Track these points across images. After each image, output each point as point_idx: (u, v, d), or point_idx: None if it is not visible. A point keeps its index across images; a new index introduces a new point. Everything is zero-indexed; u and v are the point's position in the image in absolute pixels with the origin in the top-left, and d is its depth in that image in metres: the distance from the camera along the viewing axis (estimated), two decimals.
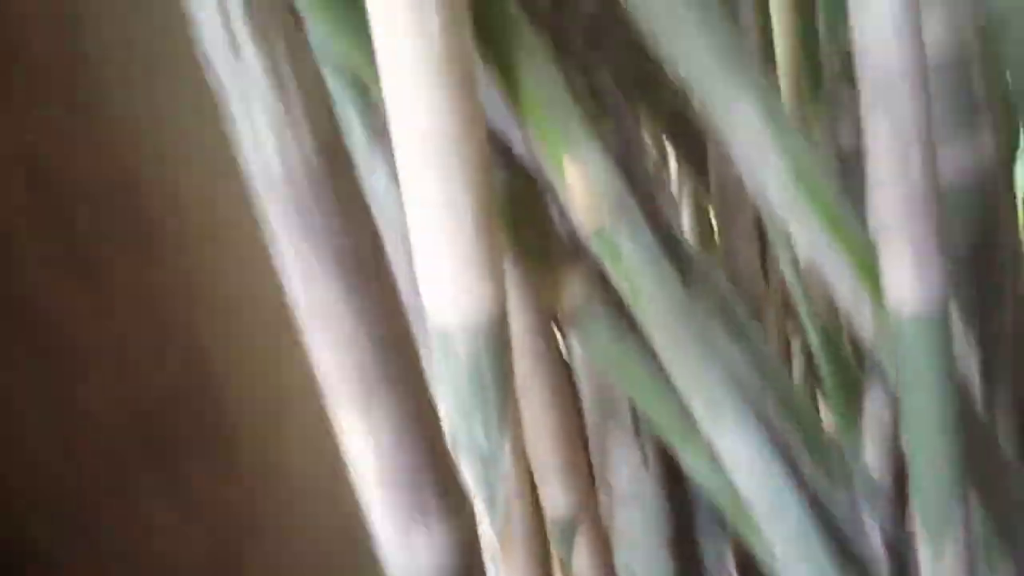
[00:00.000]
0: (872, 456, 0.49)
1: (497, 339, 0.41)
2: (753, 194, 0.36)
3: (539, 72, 0.35)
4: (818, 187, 0.32)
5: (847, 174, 0.60)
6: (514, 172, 0.43)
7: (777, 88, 0.36)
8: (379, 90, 0.38)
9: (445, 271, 0.39)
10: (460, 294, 0.39)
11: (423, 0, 0.31)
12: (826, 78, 0.61)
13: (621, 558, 0.53)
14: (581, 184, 0.36)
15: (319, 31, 0.43)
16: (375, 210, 0.51)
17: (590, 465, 0.58)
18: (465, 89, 0.33)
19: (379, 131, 0.49)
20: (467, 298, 0.39)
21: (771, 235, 0.39)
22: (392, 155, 0.39)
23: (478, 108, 0.34)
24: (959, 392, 0.41)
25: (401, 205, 0.40)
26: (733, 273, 0.49)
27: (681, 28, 0.30)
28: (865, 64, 0.31)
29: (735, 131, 0.32)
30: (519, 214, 0.44)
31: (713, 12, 0.30)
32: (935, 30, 0.40)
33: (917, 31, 0.31)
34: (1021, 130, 0.46)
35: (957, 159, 0.43)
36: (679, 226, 0.44)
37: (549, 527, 0.52)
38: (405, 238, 0.40)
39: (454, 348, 0.41)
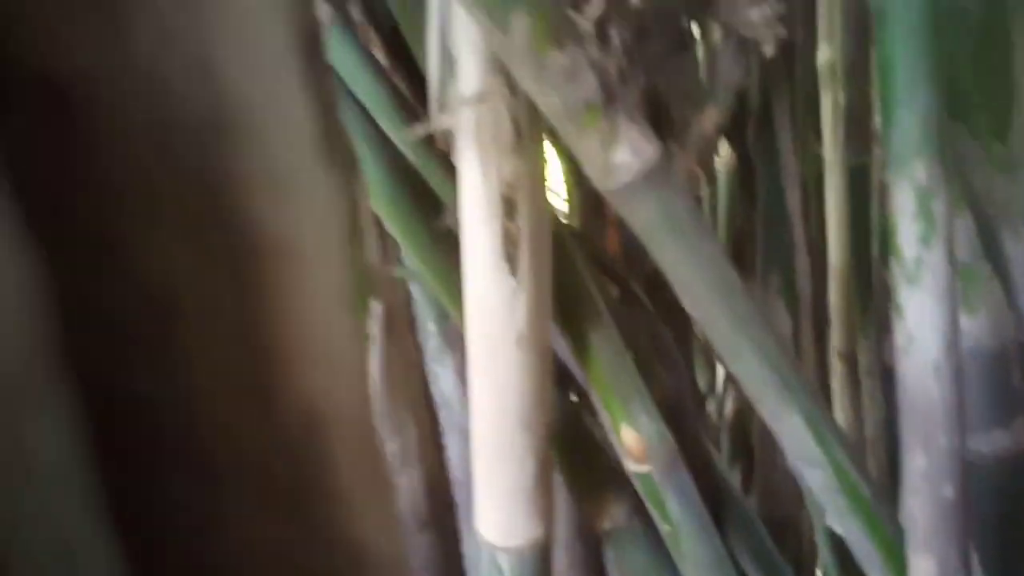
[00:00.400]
0: None
1: (539, 563, 0.44)
2: (796, 474, 0.38)
3: (609, 353, 0.39)
4: (857, 492, 0.35)
5: (888, 387, 0.62)
6: (572, 405, 0.47)
7: (826, 409, 0.38)
8: (458, 316, 0.42)
9: (499, 498, 0.42)
10: (509, 520, 0.43)
11: (513, 289, 0.36)
12: (876, 291, 0.64)
13: None
14: (635, 444, 0.40)
15: (411, 262, 0.48)
16: (440, 406, 0.55)
17: None
18: (539, 363, 0.37)
19: (451, 340, 0.53)
20: (515, 525, 0.43)
21: (808, 504, 0.41)
22: (460, 359, 0.43)
23: (548, 376, 0.38)
24: None
25: (465, 405, 0.44)
26: (768, 506, 0.51)
27: (740, 350, 0.33)
28: (905, 400, 0.34)
29: (785, 435, 0.35)
30: (573, 437, 0.48)
31: (768, 332, 0.33)
32: (980, 331, 0.43)
33: (956, 371, 0.34)
34: None
35: (995, 441, 0.45)
36: (722, 468, 0.47)
37: None
38: (465, 434, 0.44)
39: (499, 565, 0.44)
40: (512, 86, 0.33)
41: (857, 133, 0.79)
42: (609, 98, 0.30)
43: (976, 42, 0.39)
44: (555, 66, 0.30)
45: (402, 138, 0.42)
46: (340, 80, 0.42)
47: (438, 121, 0.33)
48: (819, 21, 0.79)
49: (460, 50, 0.33)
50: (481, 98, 0.33)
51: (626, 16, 0.45)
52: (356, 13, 0.40)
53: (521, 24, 0.29)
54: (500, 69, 0.32)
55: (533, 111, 0.32)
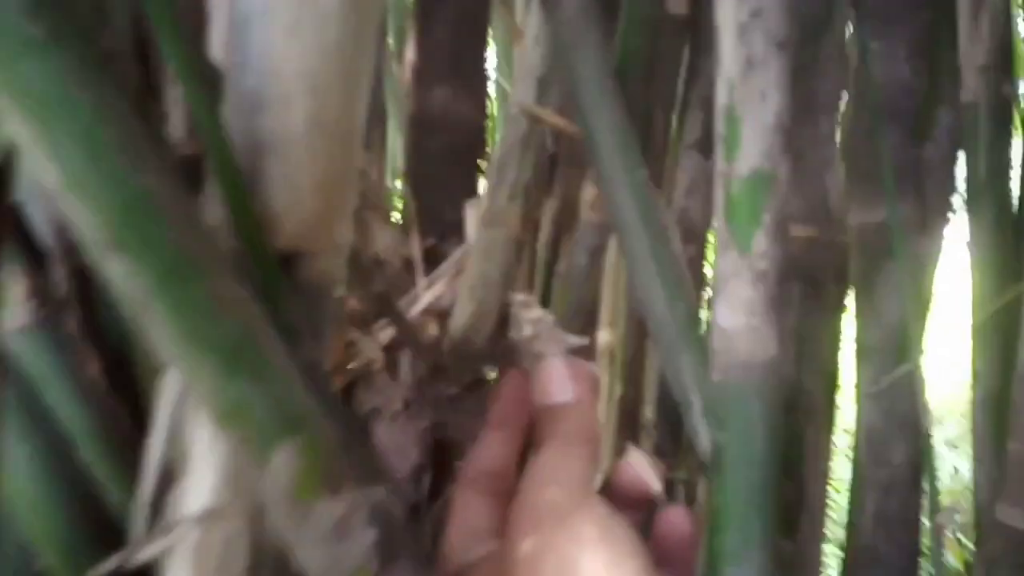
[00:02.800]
0: None
1: None
2: None
3: None
4: None
5: None
6: None
7: None
8: None
9: None
10: None
11: None
12: None
13: None
14: None
15: None
16: None
17: None
18: None
19: None
20: None
21: None
22: None
23: None
24: None
25: None
26: None
27: None
28: None
29: None
30: None
31: None
32: None
33: None
34: None
35: None
36: None
37: None
38: None
39: None
40: (257, 508, 0.24)
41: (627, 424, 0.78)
42: (388, 558, 0.23)
43: None
44: (324, 516, 0.22)
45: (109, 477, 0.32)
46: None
47: (144, 546, 0.24)
48: (602, 306, 0.80)
49: (191, 452, 0.24)
50: (211, 518, 0.24)
51: (421, 351, 0.39)
52: (73, 326, 0.30)
53: (285, 463, 0.21)
54: (242, 486, 0.24)
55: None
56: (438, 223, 0.43)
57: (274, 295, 0.23)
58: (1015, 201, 0.52)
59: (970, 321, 0.54)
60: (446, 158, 0.44)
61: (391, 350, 0.39)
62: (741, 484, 0.28)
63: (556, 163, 0.68)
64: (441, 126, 0.44)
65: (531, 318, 0.42)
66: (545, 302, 0.60)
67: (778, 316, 0.29)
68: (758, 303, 0.29)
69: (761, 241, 0.29)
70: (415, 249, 0.41)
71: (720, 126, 0.29)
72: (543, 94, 0.35)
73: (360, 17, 0.24)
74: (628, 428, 0.77)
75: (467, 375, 0.39)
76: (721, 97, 0.29)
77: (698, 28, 0.68)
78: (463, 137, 0.44)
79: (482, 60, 0.45)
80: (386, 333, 0.39)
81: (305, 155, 0.23)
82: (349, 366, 0.39)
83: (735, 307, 0.29)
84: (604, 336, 0.85)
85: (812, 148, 0.43)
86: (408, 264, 0.41)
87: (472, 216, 0.40)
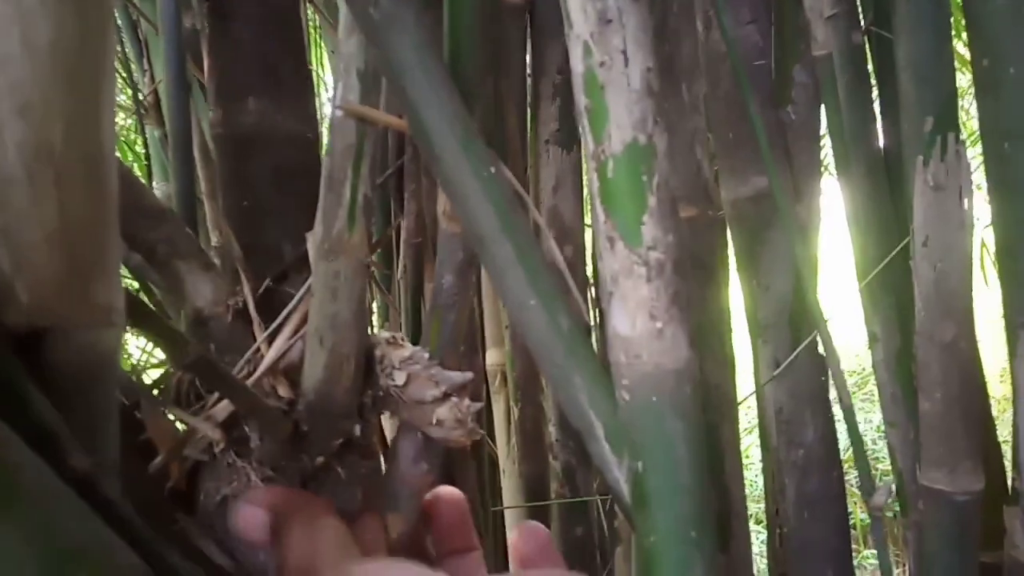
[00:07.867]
0: None
1: None
2: None
3: None
4: None
5: None
6: None
7: None
8: None
9: None
10: None
11: None
12: None
13: None
14: None
15: None
16: None
17: None
18: None
19: None
20: None
21: None
22: None
23: None
24: None
25: None
26: None
27: None
28: None
29: None
30: None
31: None
32: None
33: None
34: None
35: None
36: None
37: None
38: None
39: None
40: None
41: (532, 448, 0.73)
42: None
43: None
44: None
45: None
46: None
47: None
48: (486, 325, 0.74)
49: None
50: None
51: (270, 420, 0.32)
52: None
53: None
54: None
55: None
56: (274, 262, 0.36)
57: (15, 391, 0.16)
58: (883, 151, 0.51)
59: (857, 283, 0.53)
60: (273, 184, 0.37)
61: (234, 424, 0.32)
62: (672, 518, 0.23)
63: (405, 173, 0.62)
64: (261, 146, 0.37)
65: (401, 358, 0.36)
66: (416, 336, 0.54)
67: (683, 313, 0.25)
68: (659, 301, 0.24)
69: (650, 228, 0.24)
70: (248, 298, 0.34)
71: (581, 97, 0.25)
72: (370, 90, 0.30)
73: (80, 4, 0.17)
74: (533, 448, 0.73)
75: (332, 438, 0.32)
76: (576, 63, 0.25)
77: (535, 13, 0.64)
78: (292, 156, 0.38)
79: (303, 62, 0.39)
80: (224, 406, 0.32)
81: (28, 198, 0.16)
82: (185, 453, 0.32)
83: (632, 310, 0.24)
84: (492, 357, 0.79)
85: (679, 119, 0.39)
86: (243, 316, 0.34)
87: (314, 248, 0.34)
